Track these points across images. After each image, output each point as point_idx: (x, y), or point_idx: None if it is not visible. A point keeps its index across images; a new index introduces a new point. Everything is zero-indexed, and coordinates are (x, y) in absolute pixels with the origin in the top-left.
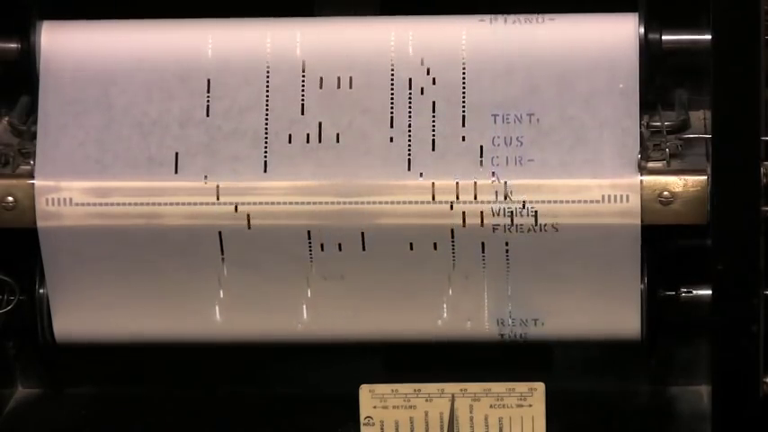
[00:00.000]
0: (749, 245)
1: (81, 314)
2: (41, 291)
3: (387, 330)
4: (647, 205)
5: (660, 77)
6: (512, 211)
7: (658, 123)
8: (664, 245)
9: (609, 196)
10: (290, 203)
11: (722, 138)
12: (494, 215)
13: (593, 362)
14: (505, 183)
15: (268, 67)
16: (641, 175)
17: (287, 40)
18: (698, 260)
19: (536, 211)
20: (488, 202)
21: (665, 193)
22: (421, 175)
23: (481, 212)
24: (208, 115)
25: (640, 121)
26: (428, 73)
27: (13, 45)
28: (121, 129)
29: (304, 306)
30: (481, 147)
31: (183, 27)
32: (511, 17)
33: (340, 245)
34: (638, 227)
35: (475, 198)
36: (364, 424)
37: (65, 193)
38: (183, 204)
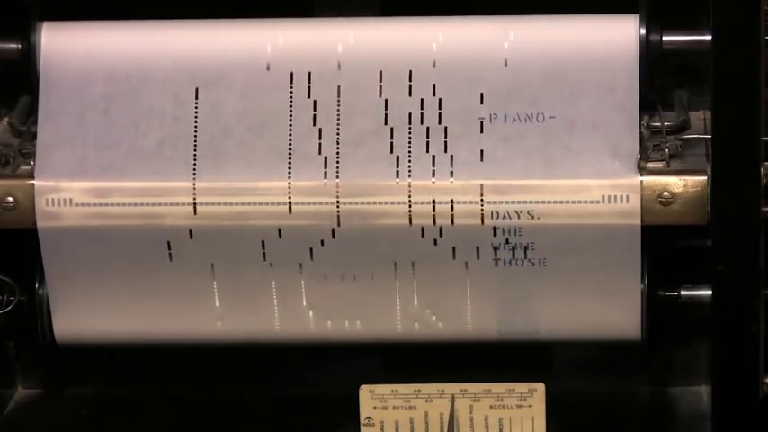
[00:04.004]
0: (749, 245)
1: (81, 314)
2: (41, 291)
3: (387, 331)
4: (647, 206)
5: (660, 78)
6: (511, 212)
7: (658, 124)
8: (664, 245)
9: (609, 196)
10: (290, 204)
11: (722, 138)
12: (494, 216)
13: (593, 362)
14: (507, 183)
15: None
16: (641, 175)
17: (287, 40)
18: (698, 260)
19: (536, 212)
20: (489, 202)
21: (665, 193)
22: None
23: (481, 213)
24: (208, 116)
25: (640, 122)
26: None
27: (13, 45)
28: (121, 129)
29: (304, 307)
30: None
31: (182, 27)
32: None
33: (339, 245)
34: (638, 227)
35: (475, 198)
36: (364, 424)
37: (65, 193)
38: (183, 205)
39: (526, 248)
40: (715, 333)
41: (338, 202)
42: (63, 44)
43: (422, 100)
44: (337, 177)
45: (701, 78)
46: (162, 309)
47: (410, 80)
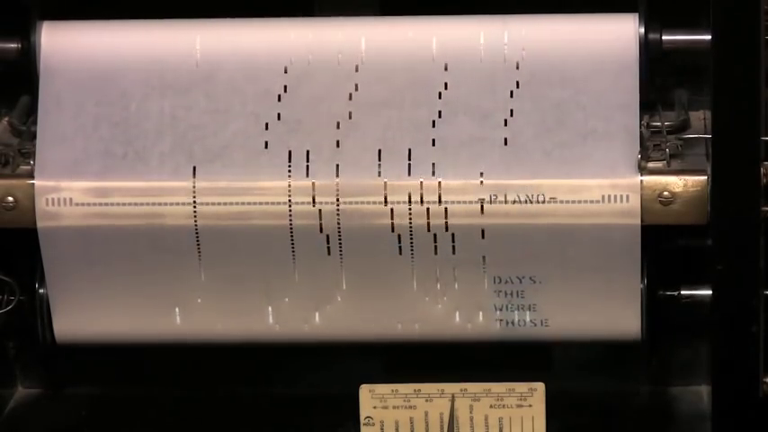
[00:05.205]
0: (749, 245)
1: (81, 314)
2: (41, 291)
3: (387, 331)
4: (648, 205)
5: (660, 77)
6: (511, 211)
7: (658, 123)
8: (664, 245)
9: (609, 196)
10: (290, 203)
11: (722, 138)
12: (494, 215)
13: (593, 362)
14: (506, 182)
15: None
16: (641, 175)
17: (286, 40)
18: (698, 260)
19: (536, 211)
20: (488, 201)
21: (666, 193)
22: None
23: (481, 212)
24: (207, 115)
25: (640, 121)
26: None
27: (13, 45)
28: (121, 129)
29: (304, 307)
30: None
31: (182, 27)
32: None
33: (339, 245)
34: (638, 227)
35: (473, 197)
36: (364, 424)
37: (65, 193)
38: (183, 204)
39: (531, 309)
40: (715, 333)
41: (335, 201)
42: (63, 44)
43: (421, 183)
44: (340, 251)
45: (701, 78)
46: (162, 309)
47: (409, 159)
